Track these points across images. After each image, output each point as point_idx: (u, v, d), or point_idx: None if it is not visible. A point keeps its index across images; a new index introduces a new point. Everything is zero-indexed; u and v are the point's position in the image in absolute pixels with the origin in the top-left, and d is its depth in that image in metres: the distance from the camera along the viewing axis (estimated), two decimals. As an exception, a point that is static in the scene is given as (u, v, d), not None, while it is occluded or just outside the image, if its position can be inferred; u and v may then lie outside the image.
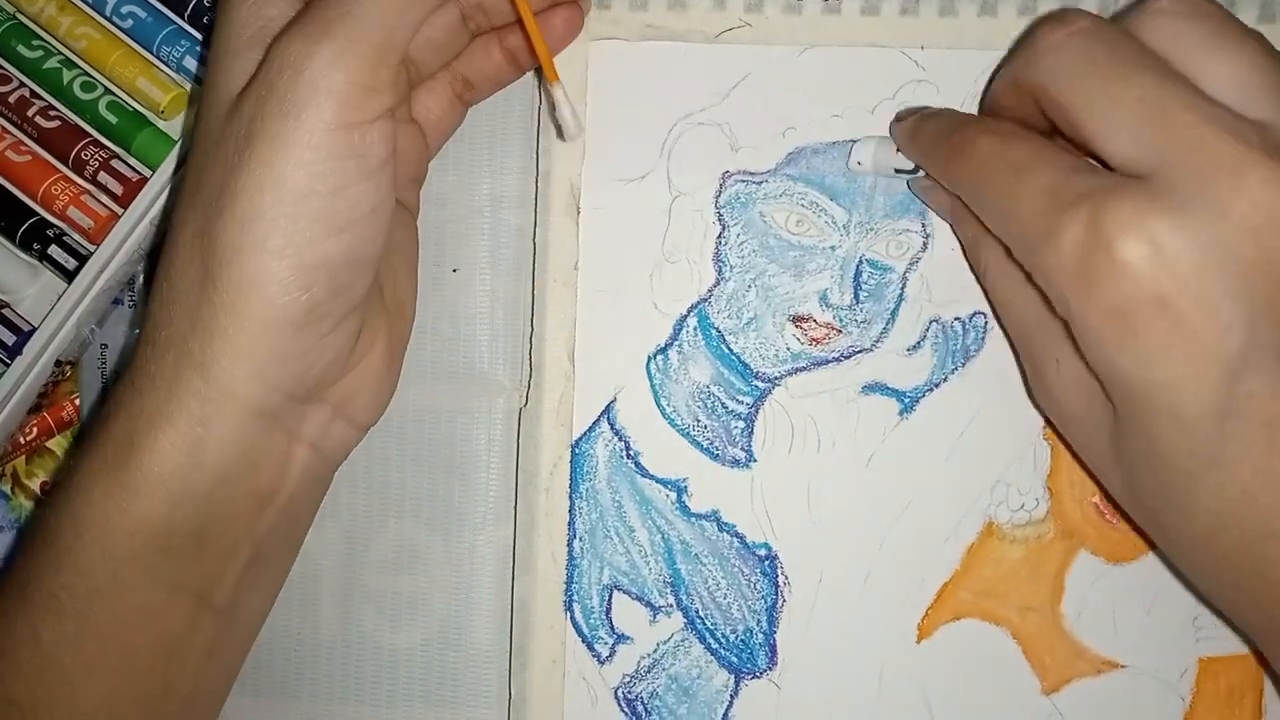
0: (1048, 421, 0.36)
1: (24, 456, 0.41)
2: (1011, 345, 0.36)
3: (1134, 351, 0.27)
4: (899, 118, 0.36)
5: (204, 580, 0.33)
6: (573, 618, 0.38)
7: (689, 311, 0.38)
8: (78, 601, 0.30)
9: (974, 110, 0.37)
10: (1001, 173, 0.30)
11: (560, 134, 0.36)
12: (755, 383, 0.37)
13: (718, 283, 0.38)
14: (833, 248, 0.37)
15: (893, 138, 0.36)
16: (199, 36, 0.38)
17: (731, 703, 0.37)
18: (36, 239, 0.37)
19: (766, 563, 0.37)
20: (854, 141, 0.37)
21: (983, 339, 0.37)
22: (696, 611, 0.37)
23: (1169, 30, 0.28)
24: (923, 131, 0.35)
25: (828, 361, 0.37)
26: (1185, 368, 0.26)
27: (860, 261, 0.37)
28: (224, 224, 0.29)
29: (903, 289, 0.37)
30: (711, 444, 0.37)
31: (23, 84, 0.38)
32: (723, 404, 0.37)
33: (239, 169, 0.29)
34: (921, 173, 0.35)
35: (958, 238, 0.36)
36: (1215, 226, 0.26)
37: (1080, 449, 0.33)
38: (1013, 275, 0.32)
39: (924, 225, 0.37)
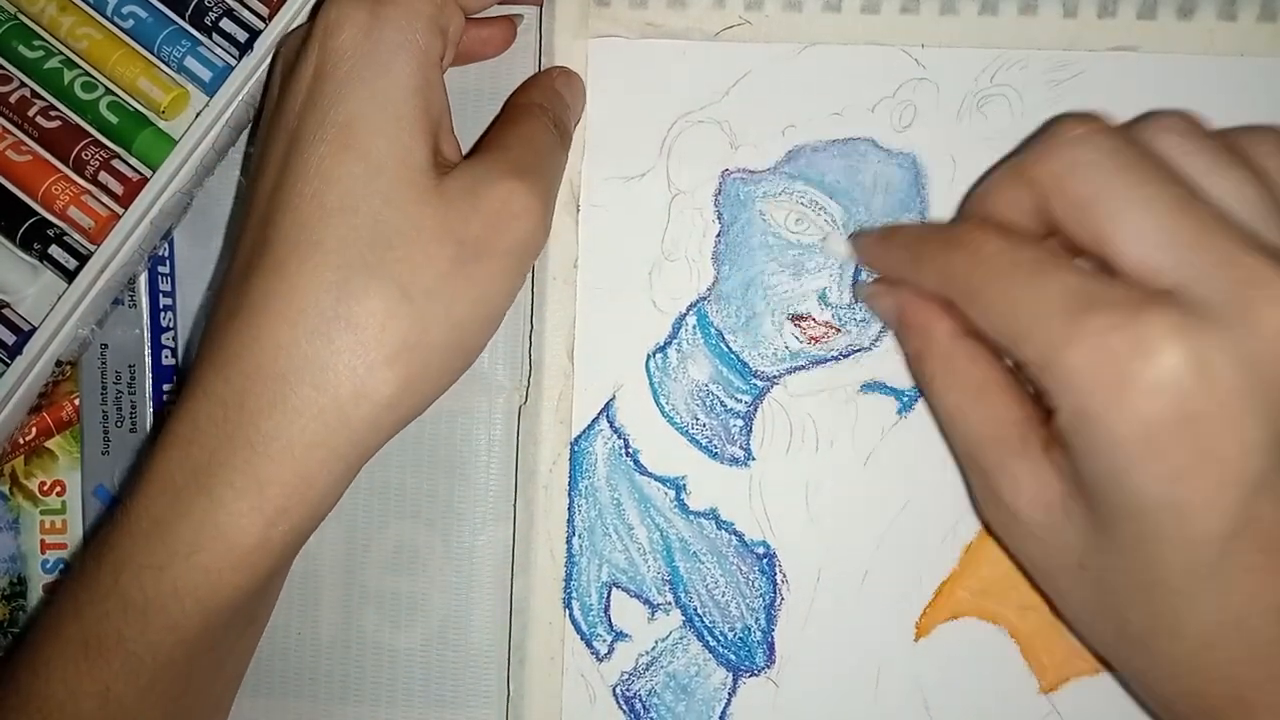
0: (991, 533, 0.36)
1: (23, 457, 0.42)
2: (955, 457, 0.36)
3: (1154, 468, 0.27)
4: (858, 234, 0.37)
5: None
6: (571, 615, 0.38)
7: (688, 310, 0.38)
8: (160, 657, 0.31)
9: (973, 110, 0.37)
10: (1013, 271, 0.30)
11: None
12: (754, 381, 0.38)
13: (717, 281, 0.38)
14: (832, 246, 0.38)
15: (855, 248, 0.37)
16: (199, 37, 0.38)
17: (729, 700, 0.38)
18: (37, 239, 0.38)
19: (765, 561, 0.38)
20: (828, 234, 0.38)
21: (982, 337, 0.37)
22: (695, 609, 0.38)
23: (1179, 147, 0.29)
24: (900, 233, 0.35)
25: (826, 360, 0.38)
26: (1203, 488, 0.27)
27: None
28: None
29: (902, 288, 0.37)
30: (710, 442, 0.38)
31: (23, 84, 0.38)
32: (721, 402, 0.38)
33: None
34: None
35: (901, 346, 0.37)
36: (1249, 344, 0.26)
37: (1034, 564, 0.33)
38: (965, 387, 0.32)
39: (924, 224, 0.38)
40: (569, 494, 0.38)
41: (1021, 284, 0.29)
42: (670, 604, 0.38)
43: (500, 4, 0.36)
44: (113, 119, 0.38)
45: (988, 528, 0.36)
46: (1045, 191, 0.30)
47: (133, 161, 0.38)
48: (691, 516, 0.38)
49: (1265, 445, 0.26)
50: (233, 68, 0.38)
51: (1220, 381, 0.26)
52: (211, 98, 0.38)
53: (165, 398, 0.41)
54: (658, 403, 0.38)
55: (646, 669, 0.38)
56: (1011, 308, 0.29)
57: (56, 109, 0.38)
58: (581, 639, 0.38)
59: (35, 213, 0.38)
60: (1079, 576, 0.31)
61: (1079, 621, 0.33)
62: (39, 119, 0.38)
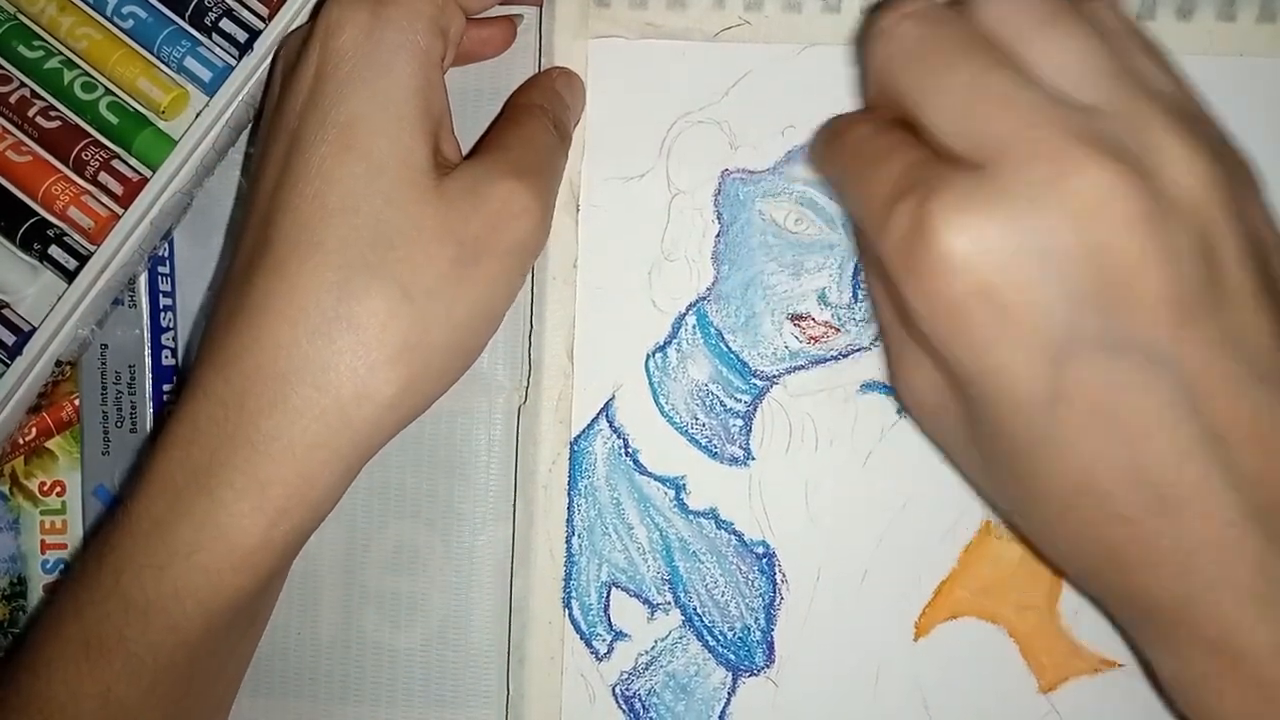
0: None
1: (23, 457, 0.42)
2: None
3: (963, 340, 0.27)
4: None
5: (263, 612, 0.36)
6: (571, 614, 0.38)
7: (688, 309, 0.39)
8: (162, 658, 0.31)
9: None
10: (862, 161, 0.31)
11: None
12: (753, 381, 0.38)
13: (716, 281, 0.38)
14: (832, 246, 0.38)
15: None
16: (199, 37, 0.38)
17: (729, 700, 0.38)
18: (37, 239, 0.38)
19: (764, 560, 0.38)
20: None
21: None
22: (694, 609, 0.38)
23: (997, 14, 0.29)
24: (818, 136, 0.36)
25: (826, 360, 0.38)
26: (1013, 355, 0.27)
27: (859, 260, 0.38)
28: None
29: (901, 287, 0.38)
30: (710, 442, 0.38)
31: (23, 84, 0.39)
32: (721, 402, 0.38)
33: None
34: None
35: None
36: (1035, 216, 0.26)
37: (941, 444, 0.34)
38: (873, 271, 0.33)
39: None
40: (568, 493, 0.39)
41: (864, 172, 0.30)
42: (670, 604, 0.38)
43: (500, 4, 0.37)
44: (113, 119, 0.38)
45: (903, 407, 0.36)
46: (877, 84, 0.31)
47: (133, 162, 0.39)
48: (691, 516, 0.38)
49: (1067, 311, 0.26)
50: (233, 68, 0.38)
51: (998, 255, 0.26)
52: (211, 98, 0.38)
53: (165, 398, 0.41)
54: (657, 402, 0.39)
55: (646, 668, 0.38)
56: (856, 196, 0.31)
57: (56, 109, 0.39)
58: (581, 638, 0.38)
59: (35, 213, 0.38)
60: (970, 452, 0.31)
61: (986, 492, 0.34)
62: (39, 119, 0.38)
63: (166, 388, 0.41)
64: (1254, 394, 0.26)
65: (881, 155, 0.30)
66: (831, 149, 0.33)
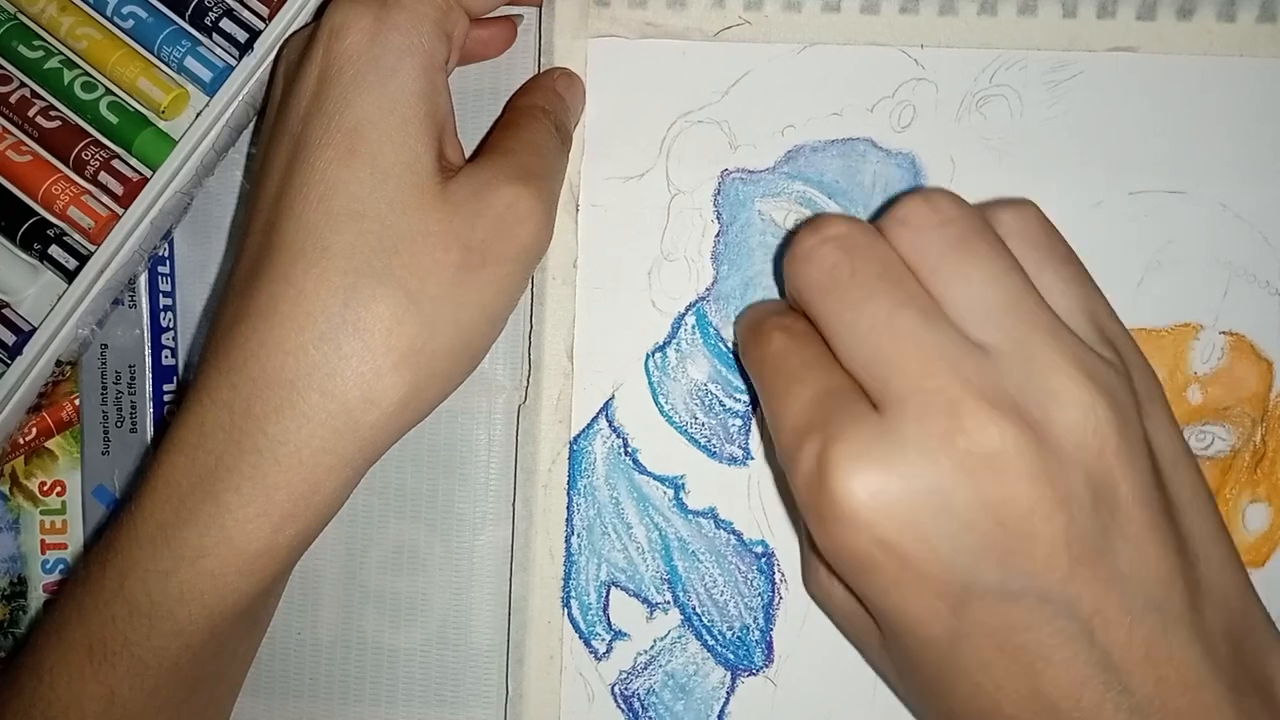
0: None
1: (23, 457, 0.42)
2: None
3: (865, 581, 0.28)
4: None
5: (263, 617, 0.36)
6: (570, 614, 0.39)
7: (687, 309, 0.39)
8: (166, 662, 0.31)
9: (972, 111, 0.38)
10: (778, 376, 0.31)
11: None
12: (753, 381, 0.38)
13: (716, 281, 0.39)
14: (831, 246, 0.38)
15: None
16: (199, 37, 0.39)
17: (728, 699, 0.38)
18: (37, 239, 0.38)
19: (763, 560, 0.38)
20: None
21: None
22: (693, 608, 0.38)
23: (909, 241, 0.29)
24: (740, 318, 0.36)
25: (825, 360, 0.38)
26: (915, 599, 0.28)
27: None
28: None
29: (901, 287, 0.38)
30: (709, 441, 0.38)
31: (23, 84, 0.39)
32: (720, 402, 0.38)
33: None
34: None
35: None
36: (932, 472, 0.26)
37: (854, 642, 0.35)
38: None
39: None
40: (568, 493, 0.39)
41: (779, 392, 0.30)
42: (669, 603, 0.38)
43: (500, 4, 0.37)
44: (113, 119, 0.38)
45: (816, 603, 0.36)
46: (797, 302, 0.31)
47: (133, 161, 0.39)
48: (690, 516, 0.38)
49: (967, 562, 0.27)
50: (233, 68, 0.38)
51: (896, 510, 0.27)
52: (211, 98, 0.38)
53: (165, 398, 0.41)
54: (657, 402, 0.39)
55: (645, 668, 0.38)
56: (770, 412, 0.31)
57: (56, 109, 0.39)
58: (580, 638, 0.39)
59: (35, 213, 0.38)
60: (883, 655, 0.32)
61: (895, 689, 0.34)
62: (39, 119, 0.38)
63: (166, 388, 0.41)
64: (1149, 621, 0.27)
65: (796, 376, 0.30)
66: (752, 351, 0.33)
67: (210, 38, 0.39)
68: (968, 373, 0.27)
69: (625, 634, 0.38)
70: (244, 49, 0.38)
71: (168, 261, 0.41)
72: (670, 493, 0.39)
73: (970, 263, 0.28)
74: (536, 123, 0.36)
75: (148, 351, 0.41)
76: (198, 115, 0.38)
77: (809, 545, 0.34)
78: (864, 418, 0.28)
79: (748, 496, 0.38)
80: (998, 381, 0.27)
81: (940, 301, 0.28)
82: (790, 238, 0.30)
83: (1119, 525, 0.27)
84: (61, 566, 0.42)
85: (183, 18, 0.39)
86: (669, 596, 0.38)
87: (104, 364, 0.41)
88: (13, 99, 0.39)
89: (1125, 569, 0.27)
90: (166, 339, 0.41)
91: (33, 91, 0.39)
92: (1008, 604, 0.27)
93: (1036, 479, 0.26)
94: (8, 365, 0.38)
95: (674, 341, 0.39)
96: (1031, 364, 0.27)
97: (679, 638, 0.38)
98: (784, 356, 0.31)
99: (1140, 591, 0.27)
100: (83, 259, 0.38)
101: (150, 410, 0.41)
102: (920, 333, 0.28)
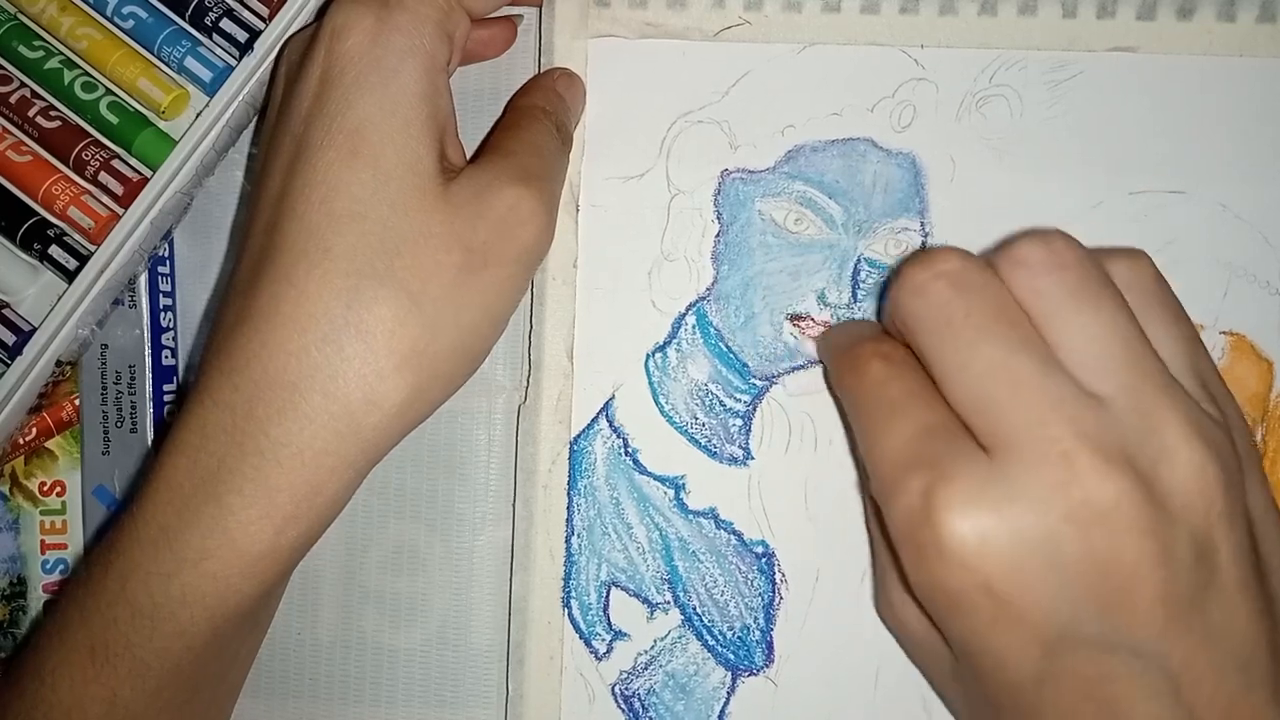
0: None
1: (23, 457, 0.42)
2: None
3: (960, 621, 0.28)
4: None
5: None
6: (570, 614, 0.39)
7: (687, 309, 0.39)
8: (168, 663, 0.32)
9: (972, 110, 0.38)
10: (878, 405, 0.31)
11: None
12: (753, 381, 0.38)
13: (716, 281, 0.39)
14: (831, 246, 0.38)
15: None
16: (199, 37, 0.39)
17: (728, 700, 0.38)
18: (37, 239, 0.38)
19: (763, 560, 0.38)
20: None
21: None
22: (694, 608, 0.38)
23: (1028, 285, 0.29)
24: (829, 338, 0.36)
25: (825, 360, 0.38)
26: (1008, 642, 0.28)
27: (859, 260, 0.38)
28: None
29: (901, 287, 0.38)
30: (709, 442, 0.38)
31: (24, 84, 0.39)
32: (721, 402, 0.38)
33: None
34: None
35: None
36: (1042, 520, 0.27)
37: (922, 669, 0.35)
38: (870, 497, 0.33)
39: (923, 224, 0.38)
40: (568, 493, 0.39)
41: (877, 422, 0.30)
42: (669, 603, 0.38)
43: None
44: (113, 119, 0.38)
45: (883, 623, 0.36)
46: (903, 334, 0.31)
47: (133, 162, 0.39)
48: (690, 516, 0.38)
49: (1066, 611, 0.27)
50: (233, 68, 0.38)
51: (1003, 555, 0.27)
52: (212, 98, 0.38)
53: (165, 398, 0.41)
54: (657, 402, 0.39)
55: (645, 668, 0.38)
56: (865, 444, 0.31)
57: (57, 109, 0.39)
58: (580, 638, 0.39)
59: (35, 213, 0.38)
60: (952, 687, 0.33)
61: (960, 716, 0.35)
62: (39, 119, 0.38)
63: (167, 388, 0.41)
64: (1233, 680, 0.27)
65: (898, 407, 0.30)
66: (847, 376, 0.33)
67: (210, 38, 0.39)
68: (1083, 423, 0.27)
69: (625, 634, 0.39)
70: (244, 49, 0.38)
71: (168, 261, 0.41)
72: (670, 493, 0.39)
73: (1088, 311, 0.28)
74: (537, 124, 0.36)
75: (148, 351, 0.41)
76: (198, 115, 0.38)
77: (886, 570, 0.34)
78: (974, 458, 0.28)
79: (748, 497, 0.38)
80: (1112, 434, 0.27)
81: (1054, 347, 0.28)
82: (898, 267, 0.30)
83: (1216, 585, 0.27)
84: (61, 567, 0.42)
85: (183, 18, 0.39)
86: (669, 597, 0.38)
87: (104, 364, 0.41)
88: (13, 99, 0.39)
89: (1217, 628, 0.27)
90: (166, 339, 0.41)
91: (33, 91, 0.39)
92: (1102, 654, 0.27)
93: (1145, 534, 0.26)
94: (8, 365, 0.38)
95: (674, 341, 0.39)
96: (1146, 419, 0.27)
97: (679, 638, 0.38)
98: (884, 385, 0.31)
99: (1229, 651, 0.27)
100: (83, 259, 0.38)
101: (150, 410, 0.41)
102: (1036, 379, 0.28)
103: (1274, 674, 0.28)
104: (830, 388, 0.38)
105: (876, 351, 0.32)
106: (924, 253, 0.30)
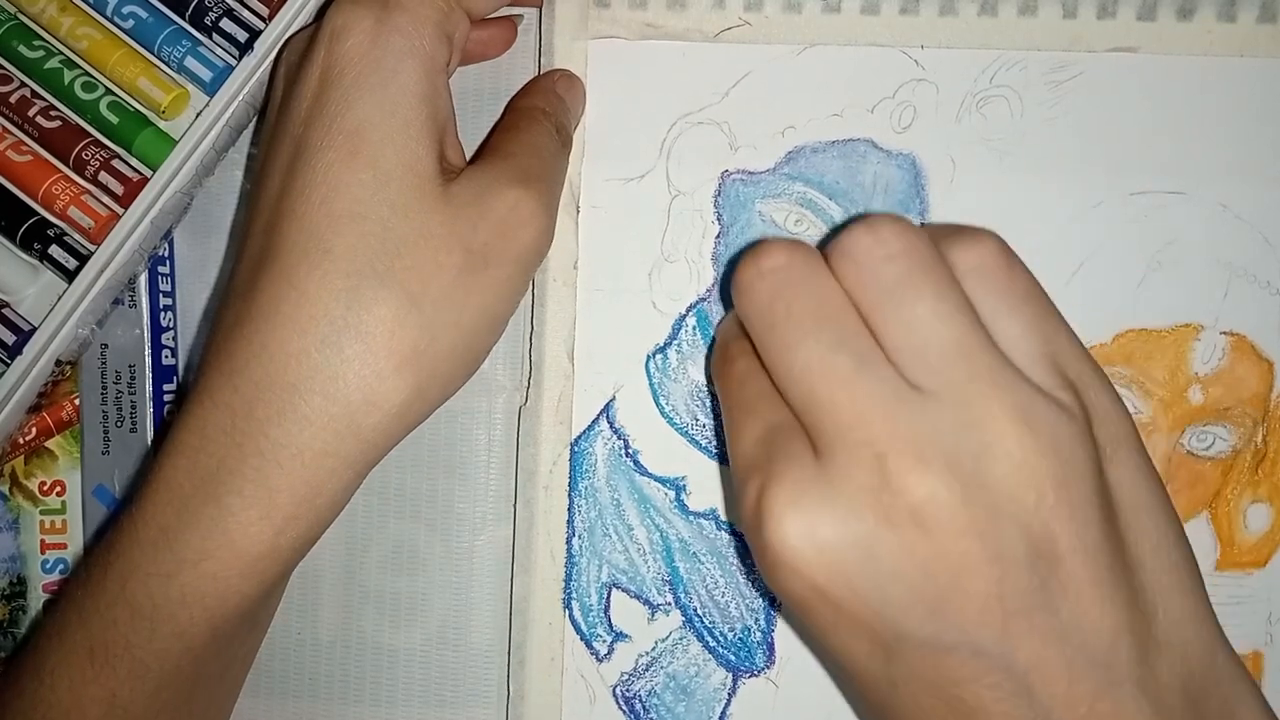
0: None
1: (23, 457, 0.42)
2: None
3: (809, 624, 0.28)
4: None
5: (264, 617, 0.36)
6: (571, 615, 0.39)
7: (688, 311, 0.39)
8: (168, 664, 0.32)
9: (972, 111, 0.38)
10: (736, 404, 0.31)
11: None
12: (754, 382, 0.38)
13: (716, 282, 0.39)
14: (832, 247, 0.38)
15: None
16: (199, 37, 0.39)
17: (729, 701, 0.38)
18: (37, 239, 0.38)
19: (764, 561, 0.38)
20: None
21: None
22: (695, 610, 0.38)
23: (854, 278, 0.28)
24: (717, 331, 0.36)
25: (826, 361, 0.38)
26: (852, 644, 0.28)
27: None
28: None
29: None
30: (710, 442, 0.38)
31: (24, 84, 0.39)
32: (721, 403, 0.39)
33: None
34: None
35: None
36: (859, 522, 0.26)
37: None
38: None
39: (923, 225, 0.38)
40: (569, 494, 0.39)
41: (734, 423, 0.30)
42: (670, 604, 0.38)
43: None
44: (113, 119, 0.38)
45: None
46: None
47: (133, 161, 0.39)
48: (691, 517, 0.38)
49: (895, 614, 0.27)
50: (233, 68, 0.38)
51: (829, 557, 0.27)
52: (212, 98, 0.38)
53: (165, 398, 0.41)
54: (658, 403, 0.39)
55: (646, 669, 0.38)
56: (729, 442, 0.31)
57: (57, 109, 0.39)
58: (581, 639, 0.39)
59: (35, 213, 0.38)
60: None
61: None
62: (39, 119, 0.38)
63: (167, 388, 0.41)
64: (1092, 678, 0.27)
65: (750, 406, 0.30)
66: (719, 369, 0.33)
67: (210, 38, 0.39)
68: (898, 422, 0.26)
69: (626, 635, 0.39)
70: (244, 49, 0.38)
71: (168, 261, 0.41)
72: (671, 494, 0.39)
73: (912, 302, 0.27)
74: (537, 125, 0.36)
75: (148, 351, 0.41)
76: (198, 115, 0.38)
77: None
78: (801, 460, 0.28)
79: (748, 497, 0.38)
80: (930, 432, 0.26)
81: (880, 340, 0.28)
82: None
83: (1059, 580, 0.27)
84: (61, 566, 0.42)
85: (183, 18, 0.39)
86: (670, 598, 0.38)
87: (104, 364, 0.41)
88: (13, 99, 0.39)
89: (1067, 624, 0.27)
90: (166, 339, 0.41)
91: (33, 91, 0.39)
92: (941, 655, 0.27)
93: (964, 534, 0.26)
94: (8, 365, 0.38)
95: (675, 343, 0.39)
96: (967, 413, 0.27)
97: (680, 639, 0.38)
98: (742, 384, 0.31)
99: (1082, 647, 0.27)
100: (83, 259, 0.38)
101: (150, 410, 0.41)
102: (853, 378, 0.27)
103: (1140, 668, 0.27)
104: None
105: (744, 348, 0.32)
106: (753, 248, 0.30)
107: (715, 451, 0.38)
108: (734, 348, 0.32)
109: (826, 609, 0.27)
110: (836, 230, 0.38)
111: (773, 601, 0.38)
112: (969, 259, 0.29)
